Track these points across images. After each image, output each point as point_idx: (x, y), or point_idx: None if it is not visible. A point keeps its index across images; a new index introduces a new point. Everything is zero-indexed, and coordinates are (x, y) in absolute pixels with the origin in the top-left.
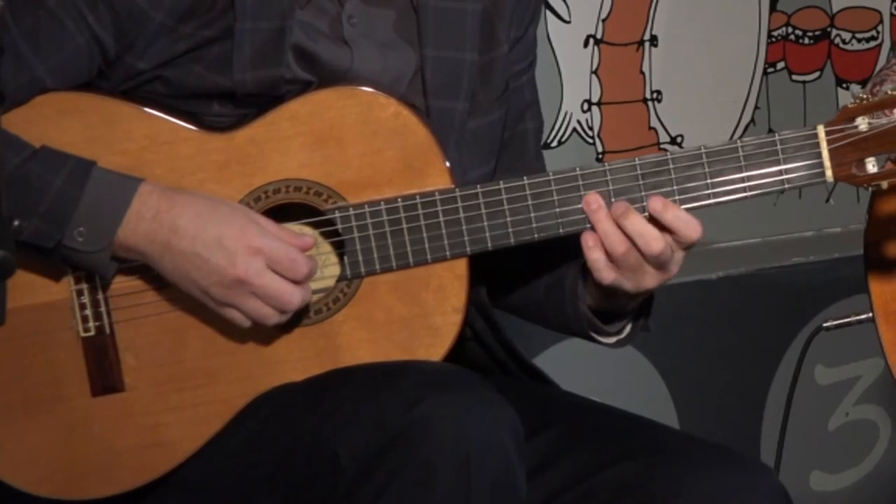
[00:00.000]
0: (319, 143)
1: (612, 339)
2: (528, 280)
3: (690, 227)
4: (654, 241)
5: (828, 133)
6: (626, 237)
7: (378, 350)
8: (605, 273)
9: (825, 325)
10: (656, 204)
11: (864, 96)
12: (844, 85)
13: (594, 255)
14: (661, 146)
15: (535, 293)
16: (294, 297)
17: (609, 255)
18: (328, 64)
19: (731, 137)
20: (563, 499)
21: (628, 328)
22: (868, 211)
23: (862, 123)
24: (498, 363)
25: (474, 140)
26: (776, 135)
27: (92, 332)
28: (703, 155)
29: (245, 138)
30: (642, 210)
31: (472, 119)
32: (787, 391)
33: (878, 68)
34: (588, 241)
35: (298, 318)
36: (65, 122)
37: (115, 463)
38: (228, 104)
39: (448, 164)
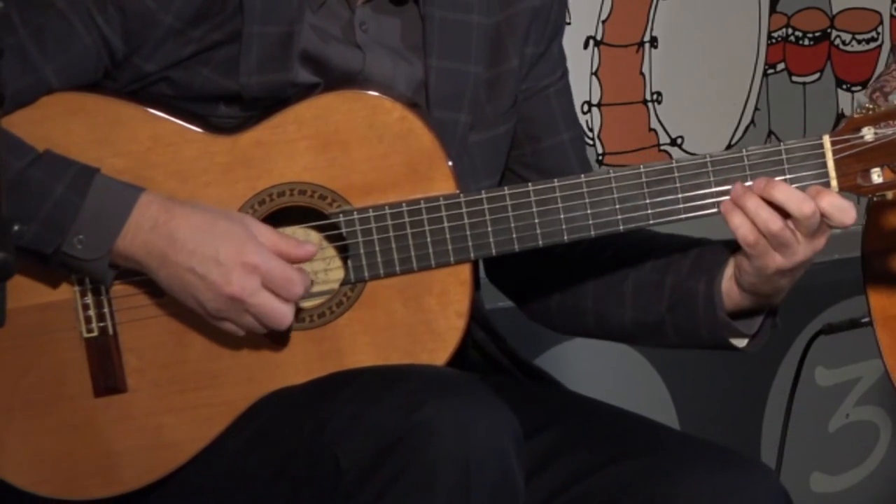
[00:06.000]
0: (325, 146)
1: (745, 341)
2: (634, 304)
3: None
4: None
5: (833, 143)
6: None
7: (381, 354)
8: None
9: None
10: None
11: (870, 106)
12: (844, 86)
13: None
14: (662, 147)
15: (653, 316)
16: (286, 317)
17: (764, 236)
18: (339, 66)
19: (731, 139)
20: (562, 498)
21: (760, 323)
22: (865, 218)
23: (868, 134)
24: (500, 370)
25: (479, 154)
26: (782, 144)
27: (95, 333)
28: (709, 164)
29: (250, 141)
30: (646, 218)
31: (476, 132)
32: (787, 392)
33: (877, 71)
34: (735, 219)
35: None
36: (70, 123)
37: (117, 464)
38: (234, 106)
39: (451, 164)
